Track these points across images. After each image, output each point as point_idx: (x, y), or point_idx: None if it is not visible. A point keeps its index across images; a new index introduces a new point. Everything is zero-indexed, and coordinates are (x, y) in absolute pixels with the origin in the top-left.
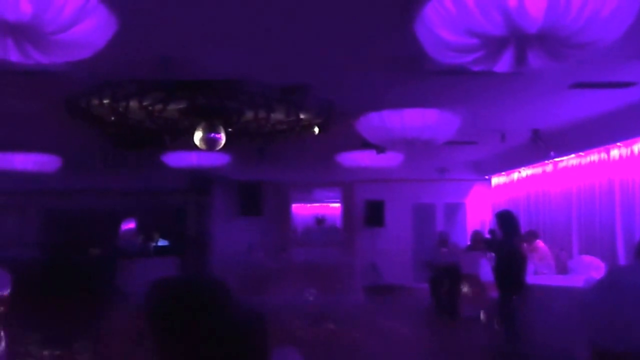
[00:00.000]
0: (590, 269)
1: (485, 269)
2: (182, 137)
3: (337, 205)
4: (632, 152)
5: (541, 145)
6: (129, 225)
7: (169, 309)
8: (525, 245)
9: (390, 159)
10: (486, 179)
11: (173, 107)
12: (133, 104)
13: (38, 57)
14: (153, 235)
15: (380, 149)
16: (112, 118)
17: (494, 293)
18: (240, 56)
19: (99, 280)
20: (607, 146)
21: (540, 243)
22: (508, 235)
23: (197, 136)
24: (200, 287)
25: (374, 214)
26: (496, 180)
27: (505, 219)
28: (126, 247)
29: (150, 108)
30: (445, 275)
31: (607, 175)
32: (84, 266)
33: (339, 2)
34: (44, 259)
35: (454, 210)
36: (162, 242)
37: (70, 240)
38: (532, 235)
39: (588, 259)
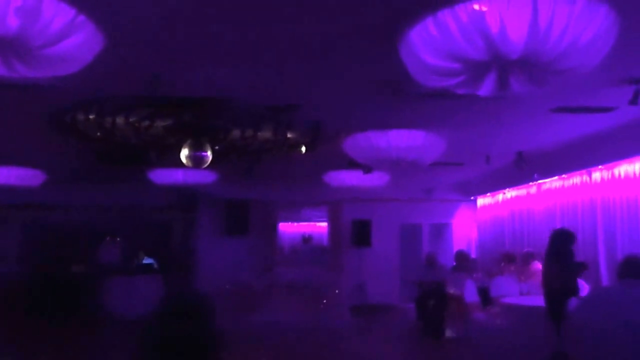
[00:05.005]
0: None
1: (470, 289)
2: (168, 154)
3: (324, 224)
4: (612, 175)
5: (525, 167)
6: (109, 239)
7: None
8: (518, 267)
9: (377, 179)
10: (472, 200)
11: (159, 124)
12: (119, 120)
13: (24, 71)
14: (138, 252)
15: (367, 169)
16: (98, 134)
17: (478, 314)
18: (228, 75)
19: (82, 298)
20: (589, 169)
21: (538, 265)
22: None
23: (183, 153)
24: (205, 302)
25: (361, 233)
26: (482, 201)
27: (555, 237)
28: (106, 262)
29: (136, 124)
30: (431, 296)
31: (589, 196)
32: (67, 283)
33: (326, 24)
34: (25, 275)
35: (441, 231)
36: (147, 260)
37: (53, 256)
38: (529, 257)
39: None
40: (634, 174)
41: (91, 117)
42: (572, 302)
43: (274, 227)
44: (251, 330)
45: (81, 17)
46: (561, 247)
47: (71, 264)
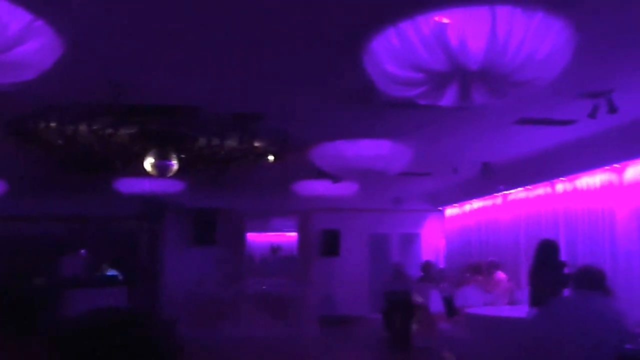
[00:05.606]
0: None
1: (435, 299)
2: (133, 162)
3: (294, 234)
4: (574, 187)
5: (491, 176)
6: (72, 251)
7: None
8: (483, 277)
9: (346, 188)
10: (440, 210)
11: (124, 131)
12: (82, 127)
13: None
14: (101, 264)
15: (335, 178)
16: (60, 142)
17: (443, 324)
18: (193, 82)
19: (41, 312)
20: (552, 181)
21: (501, 275)
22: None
23: (148, 162)
24: (121, 319)
25: (330, 243)
26: (449, 211)
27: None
28: (69, 274)
29: (100, 132)
30: (398, 307)
31: (552, 207)
32: (26, 296)
33: (293, 34)
34: None
35: (409, 241)
36: (111, 272)
37: (13, 269)
38: (492, 266)
39: None
40: (594, 186)
41: (52, 124)
42: (531, 312)
43: (242, 237)
44: (218, 342)
45: (39, 22)
46: (548, 258)
47: (31, 276)
